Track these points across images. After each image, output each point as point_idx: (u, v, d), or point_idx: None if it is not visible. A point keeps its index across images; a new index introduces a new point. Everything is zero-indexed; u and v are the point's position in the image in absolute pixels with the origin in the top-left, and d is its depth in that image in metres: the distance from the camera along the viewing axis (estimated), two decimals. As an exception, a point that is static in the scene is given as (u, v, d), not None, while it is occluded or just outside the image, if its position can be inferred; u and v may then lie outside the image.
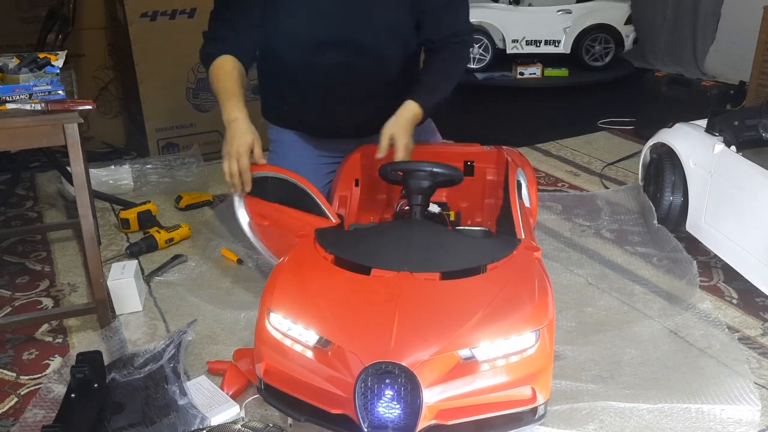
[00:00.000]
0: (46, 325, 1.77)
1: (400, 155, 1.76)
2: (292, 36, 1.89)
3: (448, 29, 1.95)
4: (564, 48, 4.24)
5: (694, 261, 2.00)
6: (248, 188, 1.67)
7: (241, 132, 1.68)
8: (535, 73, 4.15)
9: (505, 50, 4.25)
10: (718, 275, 1.98)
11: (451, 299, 1.29)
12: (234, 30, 1.85)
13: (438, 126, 2.31)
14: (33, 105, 1.53)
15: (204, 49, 1.87)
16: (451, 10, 1.94)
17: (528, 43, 4.24)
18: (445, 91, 1.93)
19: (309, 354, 1.25)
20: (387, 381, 1.17)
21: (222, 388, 1.47)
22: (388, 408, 1.18)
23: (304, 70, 1.93)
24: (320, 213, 1.70)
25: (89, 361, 1.47)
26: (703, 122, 2.11)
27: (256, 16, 1.87)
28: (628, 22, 4.27)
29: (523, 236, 1.51)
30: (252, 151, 1.67)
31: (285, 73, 1.97)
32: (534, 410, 1.27)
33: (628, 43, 4.28)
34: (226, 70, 1.80)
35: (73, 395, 1.43)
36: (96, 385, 1.45)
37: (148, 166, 2.69)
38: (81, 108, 1.54)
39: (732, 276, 1.92)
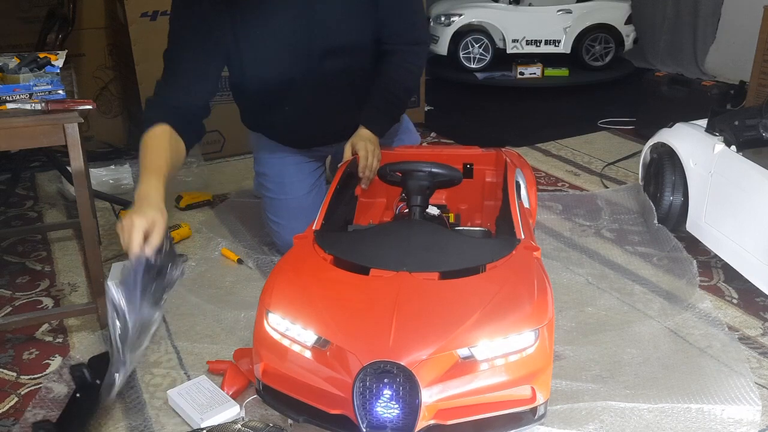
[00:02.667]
0: (46, 324, 1.77)
1: (364, 159, 1.81)
2: (260, 71, 1.85)
3: (398, 31, 1.92)
4: (564, 48, 4.23)
5: (694, 261, 2.00)
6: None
7: (143, 210, 1.39)
8: (535, 73, 4.15)
9: (505, 50, 4.25)
10: (718, 275, 1.98)
11: (450, 299, 1.29)
12: (186, 92, 1.71)
13: (438, 126, 2.31)
14: (33, 105, 1.53)
15: (145, 113, 1.68)
16: (398, 9, 1.90)
17: (528, 42, 4.24)
18: (393, 110, 1.99)
19: (307, 354, 1.25)
20: (385, 381, 1.17)
21: (222, 388, 1.47)
22: (387, 408, 1.18)
23: (277, 86, 1.88)
24: None
25: (100, 365, 1.48)
26: (703, 122, 2.11)
27: (213, 68, 1.79)
28: (628, 21, 4.27)
29: (523, 236, 1.51)
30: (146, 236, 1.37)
31: (257, 100, 1.95)
32: (534, 410, 1.27)
33: (628, 42, 4.28)
34: (158, 144, 1.59)
35: (78, 395, 1.43)
36: (97, 381, 1.45)
37: (149, 166, 2.68)
38: (81, 108, 1.54)
39: (732, 276, 1.92)
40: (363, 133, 1.88)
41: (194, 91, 1.73)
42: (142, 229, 1.35)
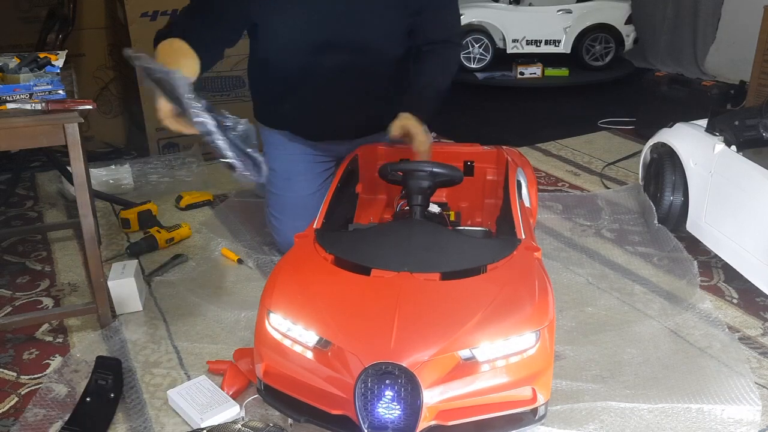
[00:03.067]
0: (46, 324, 1.77)
1: (421, 144, 1.74)
2: (288, 41, 1.86)
3: (438, 35, 1.94)
4: (564, 48, 4.23)
5: (695, 261, 2.00)
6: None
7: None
8: (535, 73, 4.14)
9: (505, 50, 4.25)
10: (719, 275, 1.98)
11: (452, 300, 1.29)
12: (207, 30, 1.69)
13: (438, 126, 2.31)
14: (33, 105, 1.53)
15: (161, 31, 1.64)
16: (441, 16, 1.93)
17: (528, 42, 4.24)
18: (436, 100, 1.92)
19: (309, 355, 1.25)
20: (387, 382, 1.17)
21: (222, 388, 1.47)
22: (388, 409, 1.18)
23: (300, 74, 1.90)
24: None
25: (110, 368, 1.50)
26: (704, 122, 2.11)
27: (229, 32, 1.78)
28: (628, 21, 4.27)
29: (523, 236, 1.50)
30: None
31: (280, 78, 1.95)
32: (534, 411, 1.27)
33: (628, 42, 4.28)
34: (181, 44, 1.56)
35: (88, 399, 1.44)
36: (112, 395, 1.46)
37: (149, 165, 2.69)
38: (81, 108, 1.54)
39: (732, 276, 1.92)
40: (407, 115, 1.82)
41: (211, 42, 1.68)
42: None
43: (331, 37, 1.85)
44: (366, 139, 2.03)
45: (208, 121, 1.25)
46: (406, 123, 1.77)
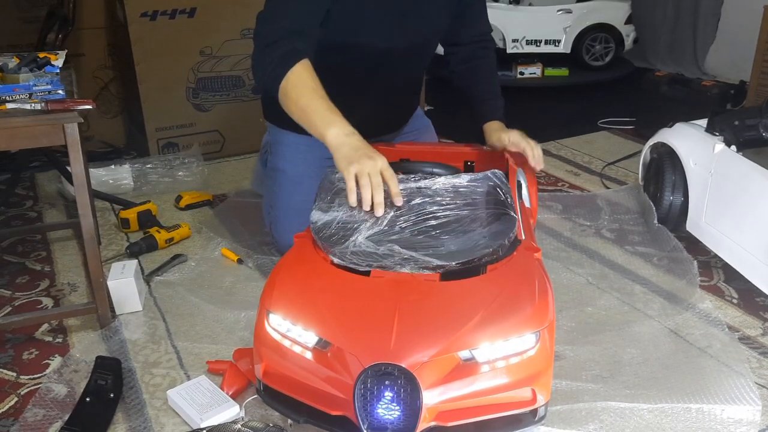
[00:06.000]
0: (46, 324, 1.77)
1: (532, 149, 1.83)
2: (355, 43, 1.75)
3: (485, 26, 1.99)
4: (564, 47, 4.23)
5: (695, 261, 2.00)
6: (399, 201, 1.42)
7: (368, 145, 1.41)
8: (535, 73, 4.15)
9: (505, 50, 4.25)
10: (719, 275, 1.98)
11: (451, 300, 1.29)
12: (307, 24, 1.59)
13: (438, 125, 2.31)
14: (33, 105, 1.53)
15: (277, 49, 1.51)
16: (477, 10, 1.97)
17: (528, 42, 4.24)
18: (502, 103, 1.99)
19: (308, 355, 1.25)
20: (386, 382, 1.17)
21: (222, 388, 1.47)
22: (388, 410, 1.17)
23: (348, 77, 1.80)
24: None
25: (110, 368, 1.50)
26: (703, 122, 2.11)
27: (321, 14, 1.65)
28: (628, 21, 4.27)
29: (524, 237, 1.50)
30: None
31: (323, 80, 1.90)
32: (534, 412, 1.27)
33: (628, 42, 4.28)
34: (316, 79, 1.50)
35: (88, 399, 1.44)
36: (112, 395, 1.46)
37: (148, 165, 2.69)
38: (81, 107, 1.54)
39: (732, 276, 1.92)
40: (500, 126, 1.89)
41: (307, 22, 1.61)
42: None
43: (395, 42, 1.79)
44: (380, 139, 2.02)
45: None
46: (510, 136, 1.85)
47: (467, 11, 1.93)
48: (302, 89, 1.48)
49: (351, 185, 1.36)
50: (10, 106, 1.53)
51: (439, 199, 1.47)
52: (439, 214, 1.44)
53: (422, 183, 1.52)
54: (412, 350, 1.18)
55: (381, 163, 1.37)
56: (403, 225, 1.42)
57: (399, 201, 1.39)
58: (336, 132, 1.42)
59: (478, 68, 2.00)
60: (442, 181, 1.52)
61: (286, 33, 1.54)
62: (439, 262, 1.32)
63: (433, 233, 1.40)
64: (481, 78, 1.99)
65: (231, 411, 1.41)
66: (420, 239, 1.38)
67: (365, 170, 1.34)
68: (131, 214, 2.27)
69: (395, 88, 1.94)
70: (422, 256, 1.33)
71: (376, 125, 2.00)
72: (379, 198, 1.36)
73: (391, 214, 1.43)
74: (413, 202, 1.46)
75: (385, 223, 1.41)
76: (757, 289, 1.78)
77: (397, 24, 1.77)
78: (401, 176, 1.54)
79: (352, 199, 1.38)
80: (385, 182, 1.39)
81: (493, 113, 1.94)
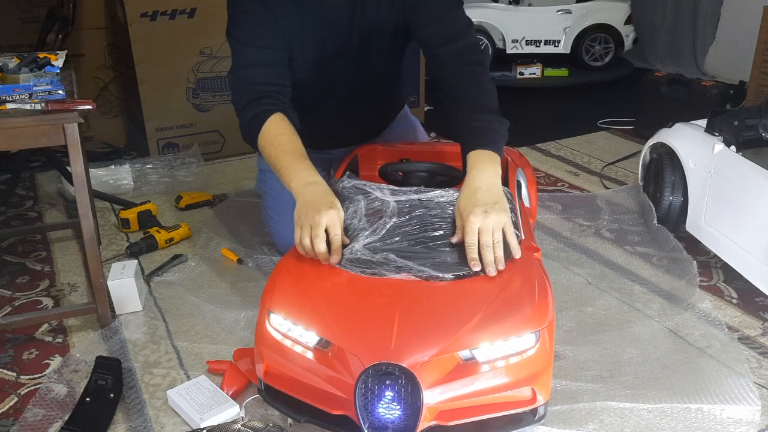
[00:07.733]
0: (46, 324, 1.77)
1: (485, 250, 1.36)
2: (304, 74, 1.80)
3: (452, 41, 1.68)
4: (564, 48, 4.24)
5: (694, 261, 2.00)
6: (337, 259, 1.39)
7: (323, 196, 1.44)
8: (535, 73, 4.15)
9: (505, 50, 4.25)
10: (718, 275, 1.98)
11: (452, 300, 1.29)
12: (275, 73, 1.67)
13: (438, 126, 2.32)
14: (33, 105, 1.53)
15: (247, 113, 1.62)
16: (433, 13, 1.71)
17: (528, 43, 4.24)
18: (501, 130, 1.58)
19: (309, 355, 1.25)
20: (387, 382, 1.17)
21: (222, 388, 1.47)
22: (389, 409, 1.18)
23: (310, 97, 1.85)
24: None
25: (110, 368, 1.50)
26: (703, 122, 2.11)
27: (286, 53, 1.71)
28: (628, 22, 4.27)
29: (523, 237, 1.51)
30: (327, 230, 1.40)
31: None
32: (534, 411, 1.27)
33: (627, 43, 4.29)
34: (286, 131, 1.58)
35: (88, 399, 1.44)
36: (112, 395, 1.46)
37: (148, 166, 2.69)
38: (81, 108, 1.54)
39: (732, 276, 1.92)
40: (480, 179, 1.43)
41: (280, 73, 1.69)
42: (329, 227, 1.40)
43: (342, 71, 1.83)
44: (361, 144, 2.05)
45: None
46: (467, 211, 1.39)
47: (419, 17, 1.71)
48: (270, 149, 1.58)
49: (297, 238, 1.43)
50: (10, 106, 1.53)
51: (439, 211, 1.48)
52: (438, 226, 1.44)
53: (424, 195, 1.52)
54: (412, 350, 1.18)
55: (327, 218, 1.39)
56: (402, 235, 1.42)
57: (335, 259, 1.38)
58: (295, 183, 1.51)
59: (459, 99, 1.65)
60: (443, 193, 1.53)
61: (253, 96, 1.64)
62: (434, 273, 1.32)
63: (431, 244, 1.41)
64: (464, 107, 1.63)
65: (231, 411, 1.41)
66: (417, 249, 1.39)
67: (308, 223, 1.40)
68: (131, 214, 2.27)
69: (359, 106, 1.94)
70: (417, 266, 1.34)
71: (347, 135, 2.05)
72: (319, 249, 1.39)
73: (391, 223, 1.45)
74: (414, 213, 1.48)
75: (384, 232, 1.42)
76: (757, 289, 1.78)
77: (333, 57, 1.79)
78: (404, 188, 1.56)
79: (300, 251, 1.43)
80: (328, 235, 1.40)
81: (476, 142, 1.52)
